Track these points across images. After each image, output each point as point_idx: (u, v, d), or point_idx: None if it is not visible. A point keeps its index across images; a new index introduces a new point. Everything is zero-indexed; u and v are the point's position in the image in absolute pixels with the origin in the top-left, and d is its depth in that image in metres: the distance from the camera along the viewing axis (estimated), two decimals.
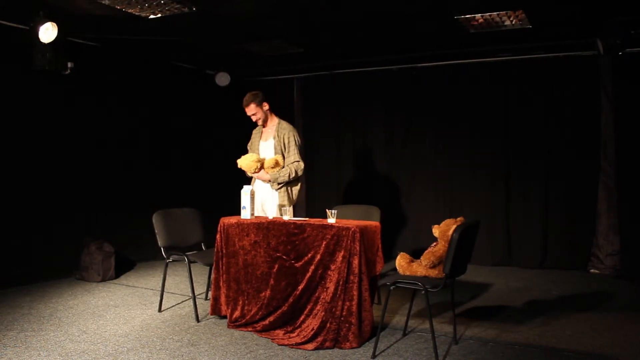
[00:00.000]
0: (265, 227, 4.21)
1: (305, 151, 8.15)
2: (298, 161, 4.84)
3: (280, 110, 8.20)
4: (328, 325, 3.85)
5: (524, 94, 6.72)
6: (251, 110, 4.94)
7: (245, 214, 4.39)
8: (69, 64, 5.74)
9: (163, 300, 4.83)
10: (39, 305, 4.91)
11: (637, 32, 5.14)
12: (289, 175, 4.81)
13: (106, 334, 4.15)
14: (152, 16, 5.22)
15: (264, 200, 4.96)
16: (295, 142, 4.88)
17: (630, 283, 5.78)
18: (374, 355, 3.68)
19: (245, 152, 5.15)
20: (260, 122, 5.03)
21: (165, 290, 4.91)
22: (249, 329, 4.20)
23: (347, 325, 3.81)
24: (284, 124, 4.98)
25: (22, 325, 4.32)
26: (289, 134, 4.90)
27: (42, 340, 3.97)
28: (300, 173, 4.87)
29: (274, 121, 5.04)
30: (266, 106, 4.97)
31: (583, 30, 5.66)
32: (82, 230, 6.17)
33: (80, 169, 6.25)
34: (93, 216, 6.35)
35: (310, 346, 3.82)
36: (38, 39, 5.05)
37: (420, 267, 3.77)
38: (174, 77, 7.51)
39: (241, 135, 8.26)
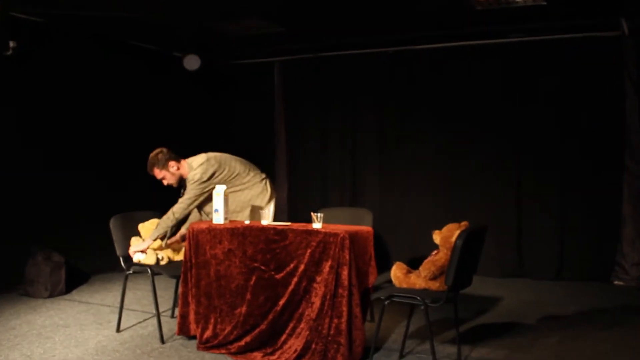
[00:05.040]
0: (240, 234, 4.20)
1: (286, 146, 8.22)
2: (179, 202, 4.70)
3: (259, 99, 8.32)
4: (313, 346, 3.86)
5: (537, 80, 6.77)
6: (157, 176, 4.79)
7: (217, 218, 4.38)
8: (11, 43, 5.68)
9: (122, 318, 4.80)
10: None
11: None
12: (163, 224, 4.63)
13: (55, 358, 4.11)
14: None
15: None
16: (192, 180, 4.68)
17: None
18: None
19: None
20: (174, 184, 4.83)
21: (124, 307, 4.88)
22: (222, 351, 4.18)
23: (335, 345, 3.82)
24: (192, 163, 4.79)
25: None
26: (189, 175, 4.72)
27: None
28: (175, 211, 4.65)
29: (188, 170, 4.81)
30: (174, 166, 4.74)
31: (605, 8, 5.72)
32: (26, 238, 6.09)
33: (23, 167, 6.17)
34: (39, 222, 6.28)
35: None
36: None
37: (419, 279, 3.78)
38: (134, 60, 7.46)
39: (212, 126, 8.33)
